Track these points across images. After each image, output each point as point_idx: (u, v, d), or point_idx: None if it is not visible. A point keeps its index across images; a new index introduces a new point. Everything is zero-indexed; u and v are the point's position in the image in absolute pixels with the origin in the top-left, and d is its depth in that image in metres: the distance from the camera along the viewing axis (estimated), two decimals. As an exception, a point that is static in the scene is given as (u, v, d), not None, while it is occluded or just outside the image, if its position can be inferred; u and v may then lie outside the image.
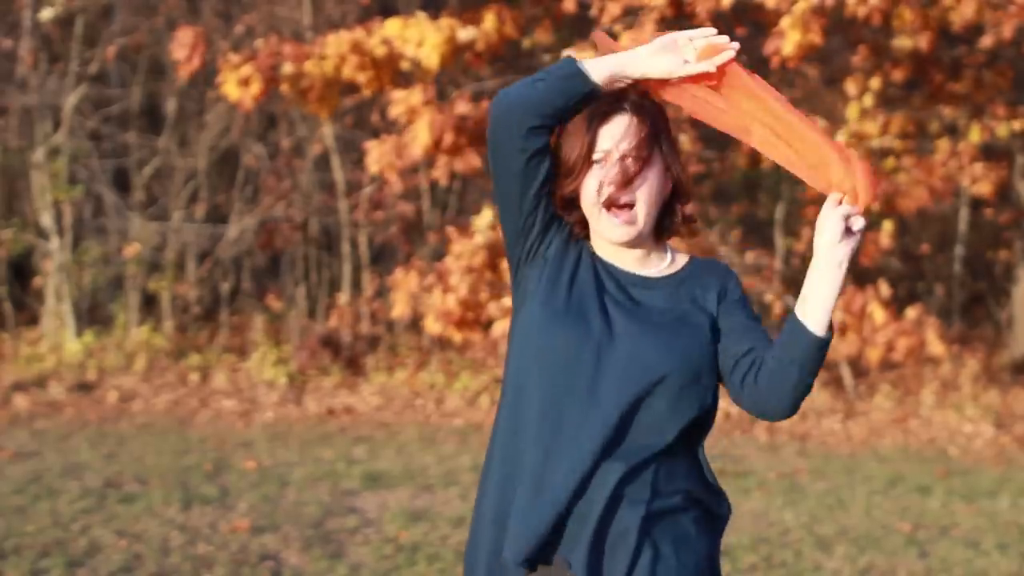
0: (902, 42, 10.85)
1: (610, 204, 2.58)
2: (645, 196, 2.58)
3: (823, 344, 2.48)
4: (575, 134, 2.58)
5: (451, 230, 10.89)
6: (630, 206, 2.58)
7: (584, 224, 2.66)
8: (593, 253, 2.67)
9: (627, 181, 2.57)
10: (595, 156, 2.58)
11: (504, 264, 10.49)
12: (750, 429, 10.49)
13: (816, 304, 2.47)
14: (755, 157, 11.16)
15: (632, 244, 2.64)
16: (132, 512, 6.77)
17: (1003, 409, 11.19)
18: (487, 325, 10.65)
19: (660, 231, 2.68)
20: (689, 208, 2.71)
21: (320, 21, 12.04)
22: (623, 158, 2.57)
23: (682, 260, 2.72)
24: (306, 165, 12.80)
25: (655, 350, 2.54)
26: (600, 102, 2.58)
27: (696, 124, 11.20)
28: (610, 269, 2.65)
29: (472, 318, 10.49)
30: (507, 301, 10.34)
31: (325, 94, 10.27)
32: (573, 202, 2.63)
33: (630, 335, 2.55)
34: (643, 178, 2.58)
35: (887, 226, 11.37)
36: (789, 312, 2.70)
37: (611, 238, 2.61)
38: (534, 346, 2.57)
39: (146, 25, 12.53)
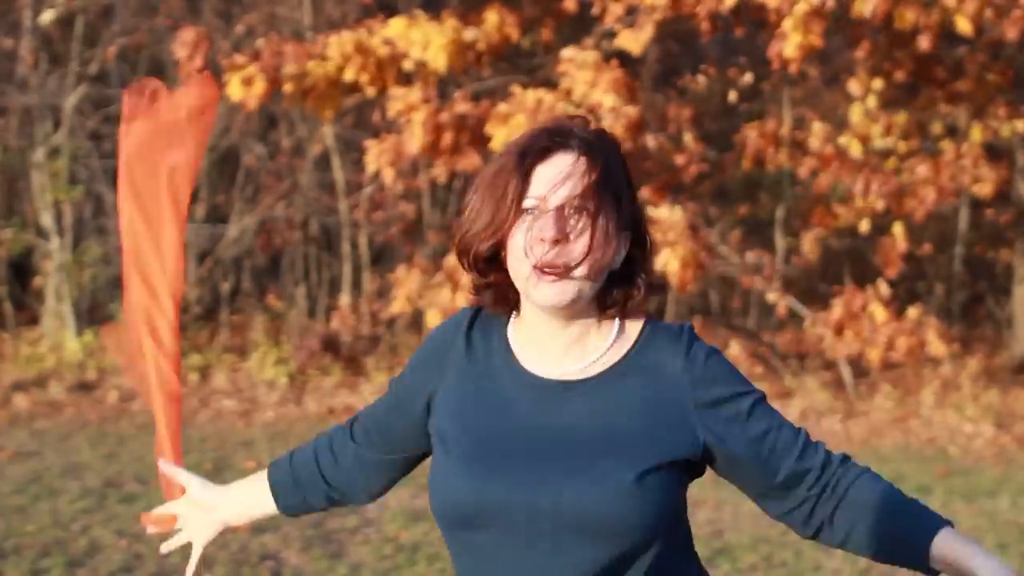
0: (903, 43, 10.85)
1: (542, 265, 1.99)
2: (588, 257, 2.00)
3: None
4: (501, 173, 2.03)
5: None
6: (567, 268, 2.00)
7: (502, 293, 2.11)
8: (503, 345, 2.13)
9: (564, 237, 1.99)
10: (526, 203, 2.01)
11: None
12: (750, 429, 10.48)
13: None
14: (760, 159, 11.13)
15: (569, 314, 2.06)
16: (132, 512, 6.77)
17: (1003, 409, 11.18)
18: None
19: (607, 303, 2.09)
20: (650, 275, 2.13)
21: (320, 21, 12.04)
22: (561, 208, 2.00)
23: (632, 333, 2.11)
24: (306, 165, 12.81)
25: (556, 500, 1.96)
26: (539, 134, 2.06)
27: (697, 123, 11.19)
28: (516, 375, 2.09)
29: None
30: None
31: (328, 94, 10.27)
32: (494, 261, 2.07)
33: (528, 482, 1.98)
34: (586, 234, 2.00)
35: (897, 228, 11.36)
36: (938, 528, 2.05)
37: (541, 302, 2.03)
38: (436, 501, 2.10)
39: (146, 25, 12.53)
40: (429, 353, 2.17)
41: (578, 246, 2.00)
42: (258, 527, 6.57)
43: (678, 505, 2.05)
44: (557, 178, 2.00)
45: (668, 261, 10.07)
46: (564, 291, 2.01)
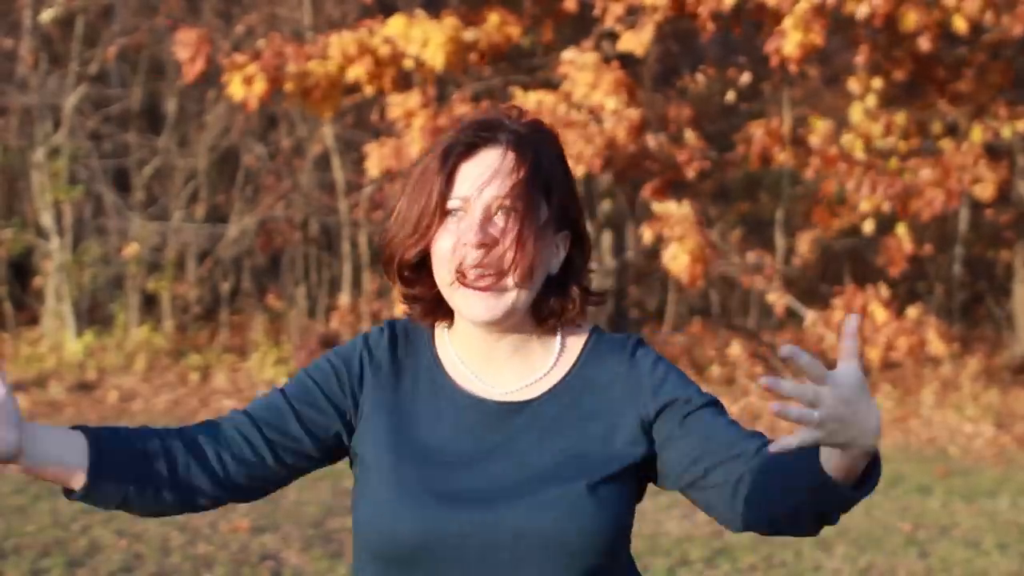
0: (905, 42, 10.85)
1: (465, 272, 1.83)
2: (519, 263, 1.81)
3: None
4: (426, 173, 1.86)
5: None
6: (497, 276, 1.82)
7: (431, 305, 1.92)
8: (433, 363, 1.94)
9: (490, 241, 1.81)
10: (450, 204, 1.84)
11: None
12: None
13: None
14: (766, 157, 11.12)
15: (504, 327, 1.88)
16: (132, 512, 6.77)
17: (1003, 409, 11.18)
18: None
19: (543, 314, 1.91)
20: (588, 284, 1.95)
21: (320, 21, 12.04)
22: (487, 208, 1.83)
23: (575, 346, 1.95)
24: (306, 165, 12.81)
25: (516, 529, 1.81)
26: (464, 129, 1.88)
27: (698, 122, 11.18)
28: (451, 396, 1.91)
29: None
30: None
31: (329, 94, 10.28)
32: (420, 268, 1.89)
33: (483, 514, 1.82)
34: (516, 237, 1.81)
35: (901, 229, 11.36)
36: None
37: (470, 316, 1.85)
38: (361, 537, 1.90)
39: (146, 25, 12.53)
40: (349, 365, 1.94)
41: (507, 251, 1.81)
42: (258, 527, 6.57)
43: (631, 518, 1.97)
44: (482, 176, 1.83)
45: (677, 255, 10.07)
46: (494, 306, 1.83)
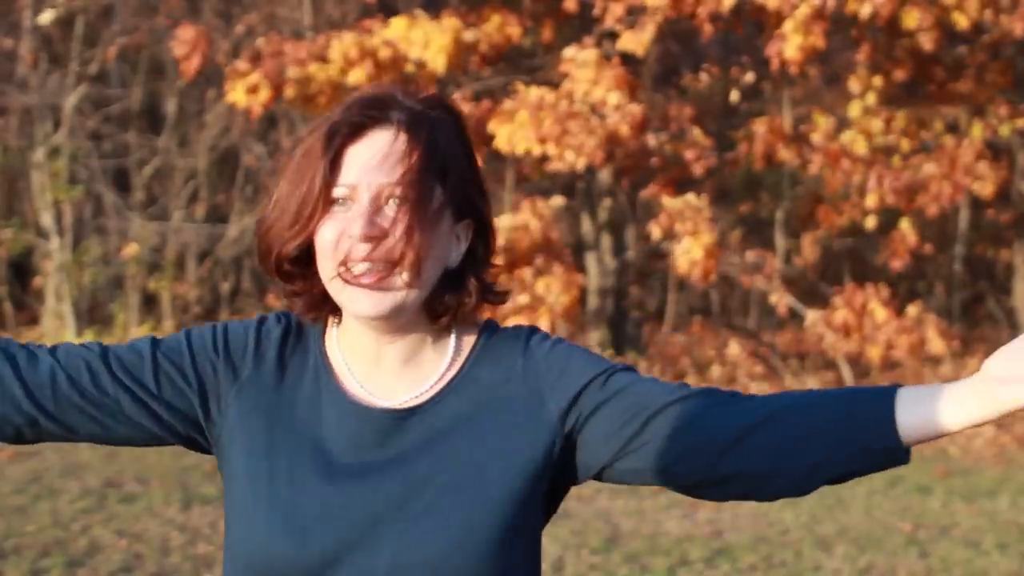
0: (906, 41, 10.86)
1: (349, 266, 1.63)
2: (409, 257, 1.61)
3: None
4: (308, 157, 1.65)
5: None
6: (385, 271, 1.62)
7: (314, 301, 1.71)
8: (320, 364, 1.73)
9: (379, 232, 1.61)
10: (336, 192, 1.63)
11: (519, 267, 10.47)
12: (750, 429, 10.48)
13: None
14: (770, 154, 11.12)
15: (394, 326, 1.68)
16: (132, 512, 6.77)
17: (1003, 409, 11.17)
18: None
19: (438, 312, 1.70)
20: (491, 278, 1.74)
21: (320, 21, 12.04)
22: (375, 197, 1.62)
23: (467, 345, 1.74)
24: (306, 165, 12.81)
25: (394, 555, 1.61)
26: (351, 107, 1.67)
27: (699, 122, 11.18)
28: (336, 402, 1.70)
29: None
30: (521, 299, 10.33)
31: (332, 99, 10.29)
32: (301, 261, 1.69)
33: (360, 536, 1.62)
34: (405, 229, 1.62)
35: (905, 223, 11.36)
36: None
37: (355, 312, 1.65)
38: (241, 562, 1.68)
39: (146, 25, 12.53)
40: (231, 346, 1.73)
41: (396, 244, 1.61)
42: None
43: (539, 531, 1.71)
44: (371, 161, 1.62)
45: (691, 249, 10.07)
46: (381, 301, 1.63)
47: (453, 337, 1.72)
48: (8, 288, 12.66)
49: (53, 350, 1.71)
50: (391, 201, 1.63)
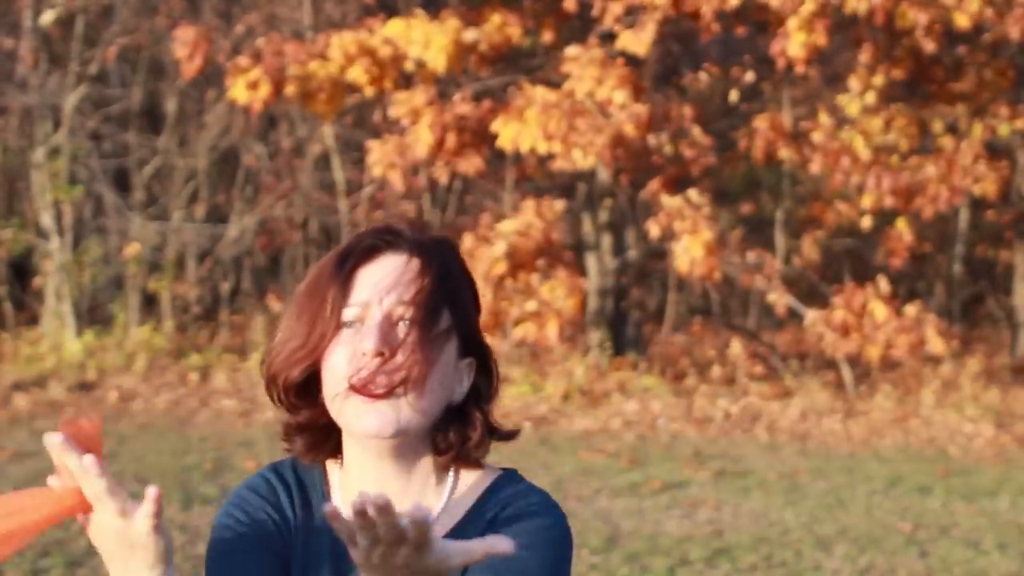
0: (907, 41, 10.86)
1: (359, 383, 1.60)
2: (418, 372, 1.60)
3: None
4: (319, 280, 1.66)
5: (468, 236, 10.79)
6: (392, 386, 1.60)
7: (318, 436, 1.70)
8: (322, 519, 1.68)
9: (389, 349, 1.60)
10: (347, 313, 1.63)
11: (524, 271, 10.47)
12: (750, 429, 10.49)
13: None
14: (771, 152, 11.11)
15: (397, 452, 1.65)
16: (132, 512, 6.77)
17: (1003, 409, 11.19)
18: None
19: (441, 447, 1.68)
20: (494, 419, 1.71)
21: (320, 21, 12.05)
22: (388, 316, 1.62)
23: (473, 490, 1.70)
24: (306, 165, 12.81)
25: None
26: (363, 235, 1.70)
27: (699, 122, 11.18)
28: (331, 543, 1.67)
29: (492, 323, 10.47)
30: (529, 305, 10.32)
31: (332, 96, 10.30)
32: (307, 391, 1.67)
33: None
34: (416, 345, 1.61)
35: (901, 224, 11.36)
36: None
37: (360, 429, 1.62)
38: None
39: (146, 25, 12.54)
40: (252, 518, 1.71)
41: (404, 361, 1.59)
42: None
43: None
44: (383, 281, 1.63)
45: (690, 247, 10.06)
46: (386, 415, 1.60)
47: (450, 475, 1.70)
48: (8, 288, 12.66)
49: None
50: (401, 323, 1.62)
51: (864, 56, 10.91)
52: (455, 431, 1.67)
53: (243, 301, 13.22)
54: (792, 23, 9.65)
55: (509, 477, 1.72)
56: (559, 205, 11.03)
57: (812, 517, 7.34)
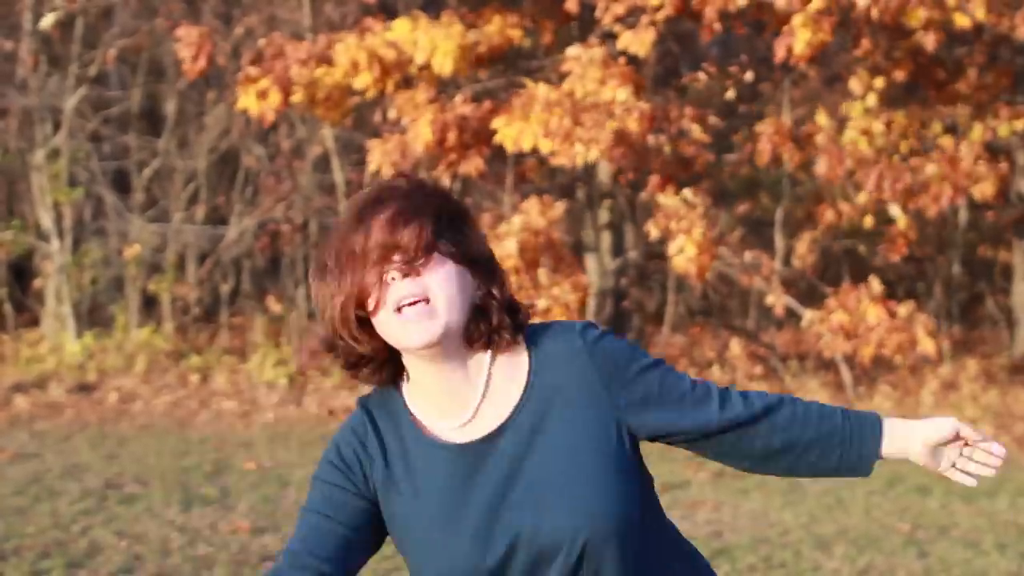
0: (907, 42, 10.85)
1: (399, 303, 2.02)
2: (441, 283, 2.03)
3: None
4: (348, 235, 2.06)
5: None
6: (427, 302, 2.02)
7: (380, 361, 2.12)
8: (409, 424, 2.13)
9: (414, 271, 2.02)
10: (373, 256, 2.05)
11: (531, 268, 10.47)
12: (750, 429, 10.48)
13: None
14: (776, 156, 11.10)
15: (444, 353, 2.06)
16: (132, 513, 6.78)
17: (1003, 409, 11.19)
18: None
19: (473, 338, 2.09)
20: (508, 299, 2.12)
21: (320, 22, 12.05)
22: (407, 250, 2.04)
23: (520, 361, 2.13)
24: (306, 166, 12.82)
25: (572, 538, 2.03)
26: (366, 192, 2.12)
27: (699, 122, 11.18)
28: (437, 453, 2.11)
29: None
30: (541, 303, 10.32)
31: (338, 102, 10.31)
32: (365, 326, 2.08)
33: (539, 527, 2.04)
34: (432, 263, 2.03)
35: (901, 220, 11.36)
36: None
37: (411, 344, 2.03)
38: None
39: (146, 27, 12.54)
40: (350, 468, 2.14)
41: (431, 279, 2.02)
42: (258, 528, 6.58)
43: (645, 472, 2.13)
44: (396, 219, 2.03)
45: (684, 247, 10.06)
46: (430, 328, 2.02)
47: (507, 359, 2.10)
48: (8, 290, 12.67)
49: (303, 551, 2.27)
50: (417, 247, 2.02)
51: (863, 54, 10.91)
52: (482, 323, 2.06)
53: (243, 303, 13.22)
54: (798, 20, 9.64)
55: (531, 331, 2.12)
56: (560, 205, 11.03)
57: (811, 518, 7.35)
